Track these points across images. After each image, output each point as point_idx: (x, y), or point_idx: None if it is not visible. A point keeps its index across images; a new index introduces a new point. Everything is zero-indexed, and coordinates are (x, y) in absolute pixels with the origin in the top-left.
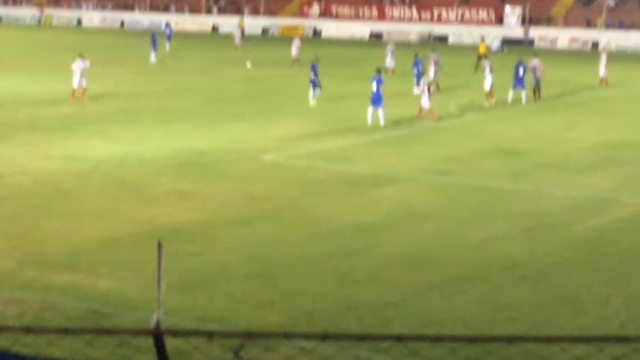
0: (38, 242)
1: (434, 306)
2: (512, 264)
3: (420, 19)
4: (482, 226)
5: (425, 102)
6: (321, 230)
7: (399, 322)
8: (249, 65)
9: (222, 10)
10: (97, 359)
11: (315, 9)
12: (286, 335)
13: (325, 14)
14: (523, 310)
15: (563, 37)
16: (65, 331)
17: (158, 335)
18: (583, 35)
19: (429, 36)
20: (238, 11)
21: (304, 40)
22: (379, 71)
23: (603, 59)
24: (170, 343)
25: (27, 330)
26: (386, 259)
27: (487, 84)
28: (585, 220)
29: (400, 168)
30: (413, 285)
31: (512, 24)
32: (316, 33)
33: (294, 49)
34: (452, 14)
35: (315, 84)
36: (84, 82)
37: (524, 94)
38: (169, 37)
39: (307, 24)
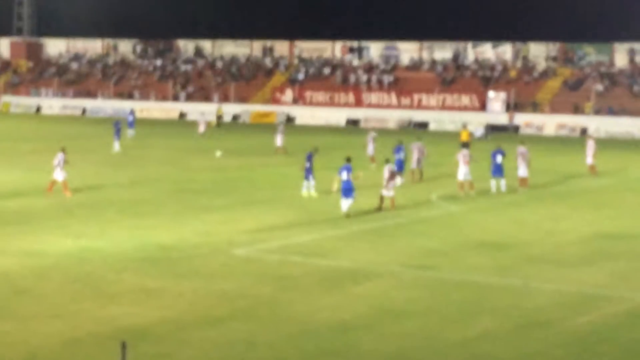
0: None
1: None
2: None
3: (399, 104)
4: (467, 324)
5: (385, 191)
6: (296, 329)
7: None
8: (218, 154)
9: (189, 97)
10: None
11: (289, 95)
12: None
13: (298, 100)
14: None
15: (550, 123)
16: None
17: None
18: (571, 121)
19: (409, 123)
20: (206, 98)
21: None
22: (348, 160)
23: (590, 146)
24: None
25: None
26: None
27: (461, 173)
28: (577, 317)
29: (380, 262)
30: None
31: (496, 110)
32: (289, 120)
33: (279, 137)
34: (433, 100)
35: (309, 175)
36: (63, 175)
37: (503, 182)
38: (131, 124)
39: (279, 110)
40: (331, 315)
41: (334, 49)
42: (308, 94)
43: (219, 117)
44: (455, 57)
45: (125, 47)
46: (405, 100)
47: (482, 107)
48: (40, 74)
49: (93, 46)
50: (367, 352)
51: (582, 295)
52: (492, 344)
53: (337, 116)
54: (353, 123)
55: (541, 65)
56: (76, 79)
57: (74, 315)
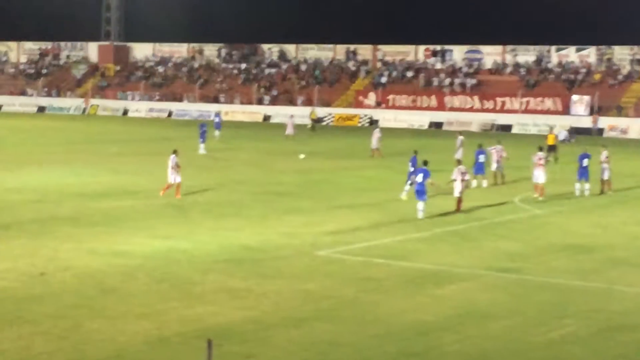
0: (81, 342)
1: None
2: None
3: (482, 107)
4: (550, 327)
5: (457, 192)
6: (379, 331)
7: None
8: (301, 156)
9: (273, 100)
10: None
11: (372, 98)
12: None
13: (381, 103)
14: None
15: (634, 126)
16: None
17: None
18: None
19: (492, 126)
20: (290, 101)
21: (360, 129)
22: (425, 163)
23: None
24: None
25: None
26: None
27: (537, 176)
28: None
29: (463, 265)
30: None
31: (580, 113)
32: (372, 123)
33: (374, 139)
34: (516, 103)
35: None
36: (179, 178)
37: (587, 186)
38: (218, 126)
39: (363, 113)
40: (414, 317)
41: (417, 52)
42: (391, 97)
43: (314, 120)
44: (539, 60)
45: (210, 51)
46: (488, 104)
47: (566, 110)
48: (127, 78)
49: (179, 50)
50: (450, 354)
51: None
52: (576, 347)
53: (420, 119)
54: (436, 126)
55: (625, 68)
56: (162, 83)
57: (161, 315)
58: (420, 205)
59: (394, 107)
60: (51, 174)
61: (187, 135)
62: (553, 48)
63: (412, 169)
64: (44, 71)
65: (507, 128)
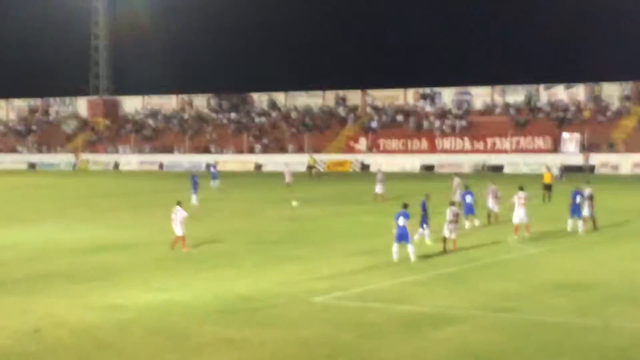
0: None
1: None
2: None
3: (473, 148)
4: None
5: (447, 232)
6: None
7: None
8: (294, 203)
9: (265, 148)
10: None
11: (363, 143)
12: None
13: (372, 148)
14: None
15: (625, 162)
16: None
17: None
18: None
19: (483, 166)
20: (281, 149)
21: (352, 175)
22: (405, 206)
23: None
24: None
25: None
26: None
27: (516, 216)
28: None
29: (460, 306)
30: None
31: (571, 151)
32: (364, 167)
33: (378, 185)
34: (507, 143)
35: (424, 222)
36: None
37: (580, 224)
38: (215, 176)
39: (354, 158)
40: None
41: (406, 95)
42: (382, 141)
43: (311, 168)
44: (528, 99)
45: (200, 101)
46: (479, 144)
47: (556, 148)
48: (117, 131)
49: (168, 102)
50: None
51: None
52: None
53: (412, 162)
54: (427, 169)
55: (615, 104)
56: (153, 135)
57: None
58: (409, 248)
59: (385, 151)
60: (44, 230)
61: (179, 187)
62: (542, 86)
63: (422, 213)
64: (34, 127)
65: (498, 168)
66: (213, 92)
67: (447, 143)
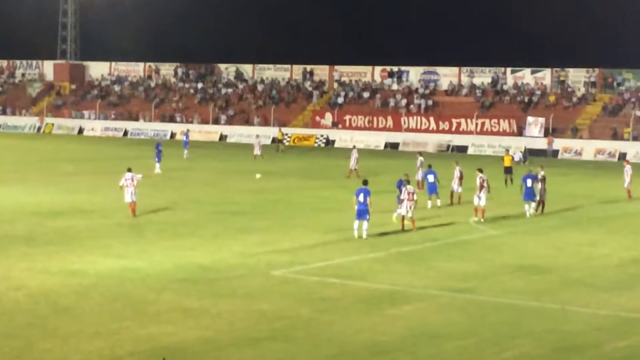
0: None
1: None
2: None
3: (438, 128)
4: (504, 347)
5: (403, 210)
6: (334, 351)
7: None
8: (258, 176)
9: (230, 120)
10: None
11: (328, 118)
12: None
13: (337, 123)
14: None
15: (589, 148)
16: None
17: None
18: (609, 146)
19: (448, 147)
20: (247, 121)
21: (317, 149)
22: (365, 183)
23: (627, 171)
24: None
25: None
26: None
27: (477, 198)
28: (614, 341)
29: (418, 285)
30: None
31: (535, 135)
32: (329, 143)
33: (352, 159)
34: (472, 125)
35: (400, 201)
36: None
37: (533, 206)
38: (186, 145)
39: (319, 133)
40: (369, 337)
41: (373, 73)
42: (347, 117)
43: (280, 141)
44: (494, 82)
45: (167, 70)
46: (444, 125)
47: (520, 132)
48: (82, 97)
49: (135, 69)
50: None
51: (620, 320)
52: None
53: (377, 139)
54: (392, 146)
55: (580, 90)
56: (118, 102)
57: (114, 334)
58: (364, 225)
59: (350, 127)
60: (5, 192)
61: (143, 154)
62: (509, 70)
63: (399, 192)
64: None
65: (462, 149)
66: (180, 61)
67: (412, 122)
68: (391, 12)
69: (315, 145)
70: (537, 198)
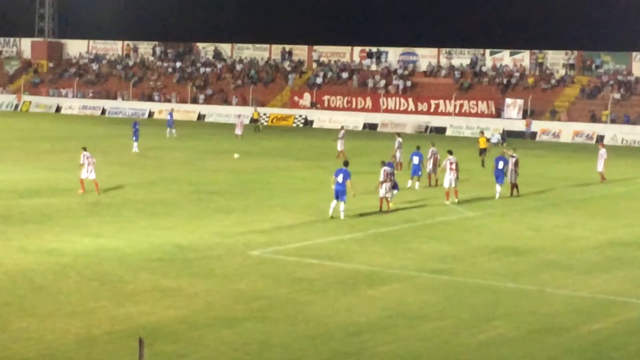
0: (10, 340)
1: None
2: None
3: (416, 109)
4: (481, 328)
5: (382, 192)
6: (311, 331)
7: None
8: (236, 155)
9: (208, 99)
10: None
11: (307, 99)
12: None
13: (316, 104)
14: None
15: (567, 130)
16: None
17: None
18: (588, 128)
19: (426, 128)
20: (225, 100)
21: (295, 130)
22: (346, 164)
23: (601, 154)
24: None
25: None
26: None
27: (447, 180)
28: (591, 323)
29: (395, 266)
30: None
31: (513, 117)
32: (307, 123)
33: (340, 142)
34: (450, 106)
35: (394, 184)
36: (93, 174)
37: (498, 189)
38: (171, 124)
39: (298, 114)
40: (346, 317)
41: (352, 53)
42: (326, 97)
43: (257, 121)
44: (473, 63)
45: (145, 49)
46: (423, 106)
47: (499, 113)
48: (60, 75)
49: (113, 47)
50: (382, 355)
51: (597, 302)
52: (506, 349)
53: (355, 120)
54: (370, 127)
55: (559, 72)
56: (96, 80)
57: (91, 313)
58: (341, 206)
59: (329, 107)
60: None
61: (121, 133)
62: (487, 51)
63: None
64: None
65: (441, 130)
66: (159, 40)
67: (391, 103)
68: None
69: (294, 125)
70: (509, 180)
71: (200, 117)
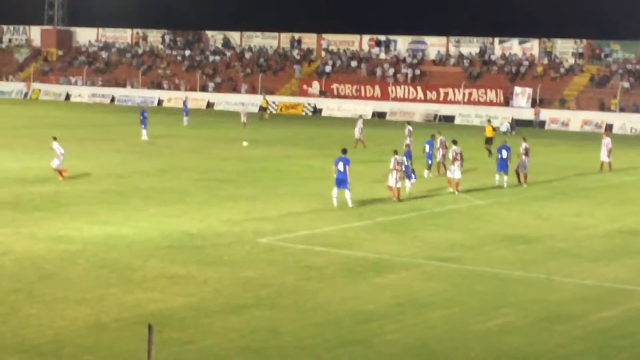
0: (20, 327)
1: None
2: (521, 356)
3: (425, 98)
4: (489, 316)
5: (392, 181)
6: (320, 319)
7: None
8: (245, 143)
9: (217, 87)
10: None
11: (316, 87)
12: None
13: (325, 92)
14: None
15: (575, 119)
16: None
17: None
18: (596, 117)
19: (435, 116)
20: (234, 89)
21: (304, 118)
22: (344, 152)
23: (606, 143)
24: None
25: None
26: (388, 350)
27: (450, 171)
28: (599, 311)
29: (404, 254)
30: None
31: (522, 105)
32: (316, 112)
33: (357, 130)
34: (459, 94)
35: (410, 172)
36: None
37: (505, 179)
38: (186, 112)
39: (307, 102)
40: (354, 305)
41: (361, 42)
42: (335, 86)
43: (264, 109)
44: (482, 52)
45: (154, 37)
46: (432, 94)
47: (508, 102)
48: (70, 63)
49: (122, 36)
50: (390, 342)
51: (604, 290)
52: (514, 337)
53: (364, 109)
54: (379, 115)
55: (568, 61)
56: (105, 68)
57: (100, 300)
58: (346, 194)
59: (338, 96)
60: None
61: (130, 121)
62: (496, 40)
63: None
64: None
65: (449, 119)
66: (168, 28)
67: (400, 91)
68: None
69: (303, 113)
70: (516, 169)
71: (210, 105)
